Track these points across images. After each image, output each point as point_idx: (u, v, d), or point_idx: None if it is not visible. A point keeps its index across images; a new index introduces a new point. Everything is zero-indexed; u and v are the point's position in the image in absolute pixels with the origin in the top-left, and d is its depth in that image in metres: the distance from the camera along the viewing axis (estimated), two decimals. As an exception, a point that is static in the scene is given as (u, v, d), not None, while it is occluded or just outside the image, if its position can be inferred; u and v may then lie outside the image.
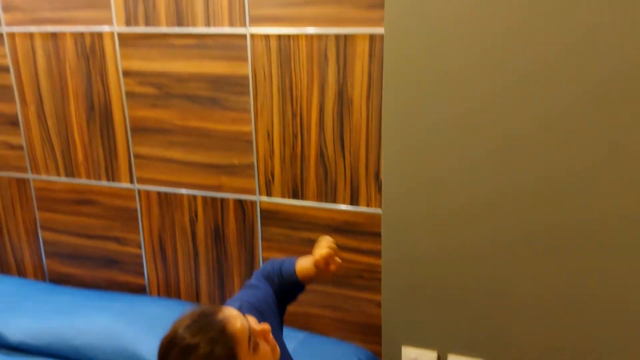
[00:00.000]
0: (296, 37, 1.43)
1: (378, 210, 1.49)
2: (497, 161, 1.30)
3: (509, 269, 1.36)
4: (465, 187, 1.34)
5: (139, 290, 1.85)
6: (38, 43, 1.70)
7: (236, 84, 1.52)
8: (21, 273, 2.01)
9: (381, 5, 1.33)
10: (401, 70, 1.32)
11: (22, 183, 1.88)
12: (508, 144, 1.28)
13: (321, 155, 1.51)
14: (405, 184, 1.39)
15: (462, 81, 1.27)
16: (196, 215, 1.69)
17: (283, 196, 1.58)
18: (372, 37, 1.37)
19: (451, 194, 1.36)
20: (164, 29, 1.54)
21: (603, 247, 1.27)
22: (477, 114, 1.28)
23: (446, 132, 1.32)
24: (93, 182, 1.78)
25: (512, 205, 1.32)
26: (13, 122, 1.81)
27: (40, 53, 1.70)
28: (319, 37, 1.41)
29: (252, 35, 1.46)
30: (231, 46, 1.49)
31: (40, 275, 1.98)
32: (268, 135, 1.54)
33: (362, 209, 1.51)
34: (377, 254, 1.52)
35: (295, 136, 1.52)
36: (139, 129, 1.67)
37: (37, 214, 1.90)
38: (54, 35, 1.67)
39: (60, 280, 1.95)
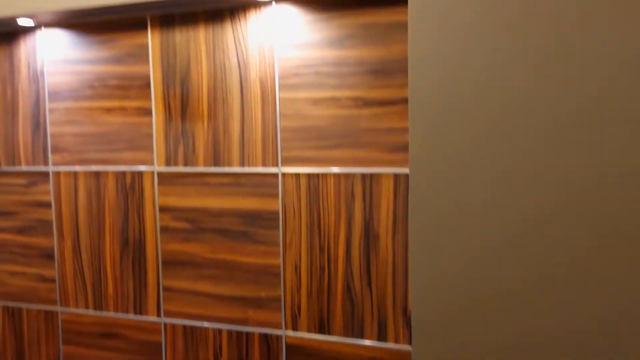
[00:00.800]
0: (325, 176, 1.53)
1: (407, 347, 1.48)
2: (533, 293, 1.31)
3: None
4: (498, 324, 1.34)
5: None
6: (81, 181, 1.82)
7: (266, 219, 1.60)
8: (36, 411, 1.95)
9: (403, 149, 1.44)
10: (425, 207, 1.38)
11: (50, 315, 1.90)
12: (545, 278, 1.30)
13: (348, 289, 1.53)
14: (434, 319, 1.39)
15: (484, 217, 1.33)
16: (220, 350, 1.68)
17: (309, 330, 1.58)
18: (396, 176, 1.46)
19: (483, 330, 1.35)
20: (201, 169, 1.65)
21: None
22: (503, 249, 1.32)
23: (472, 267, 1.35)
24: (120, 316, 1.79)
25: (556, 345, 1.30)
26: (48, 255, 1.88)
27: (82, 190, 1.82)
28: (346, 176, 1.51)
29: (284, 174, 1.57)
30: (263, 184, 1.59)
31: (56, 413, 1.92)
32: (296, 268, 1.58)
33: (389, 345, 1.50)
34: (406, 393, 1.48)
35: (322, 270, 1.55)
36: (170, 262, 1.72)
37: (62, 348, 1.89)
38: (96, 174, 1.79)
39: (75, 419, 1.89)
